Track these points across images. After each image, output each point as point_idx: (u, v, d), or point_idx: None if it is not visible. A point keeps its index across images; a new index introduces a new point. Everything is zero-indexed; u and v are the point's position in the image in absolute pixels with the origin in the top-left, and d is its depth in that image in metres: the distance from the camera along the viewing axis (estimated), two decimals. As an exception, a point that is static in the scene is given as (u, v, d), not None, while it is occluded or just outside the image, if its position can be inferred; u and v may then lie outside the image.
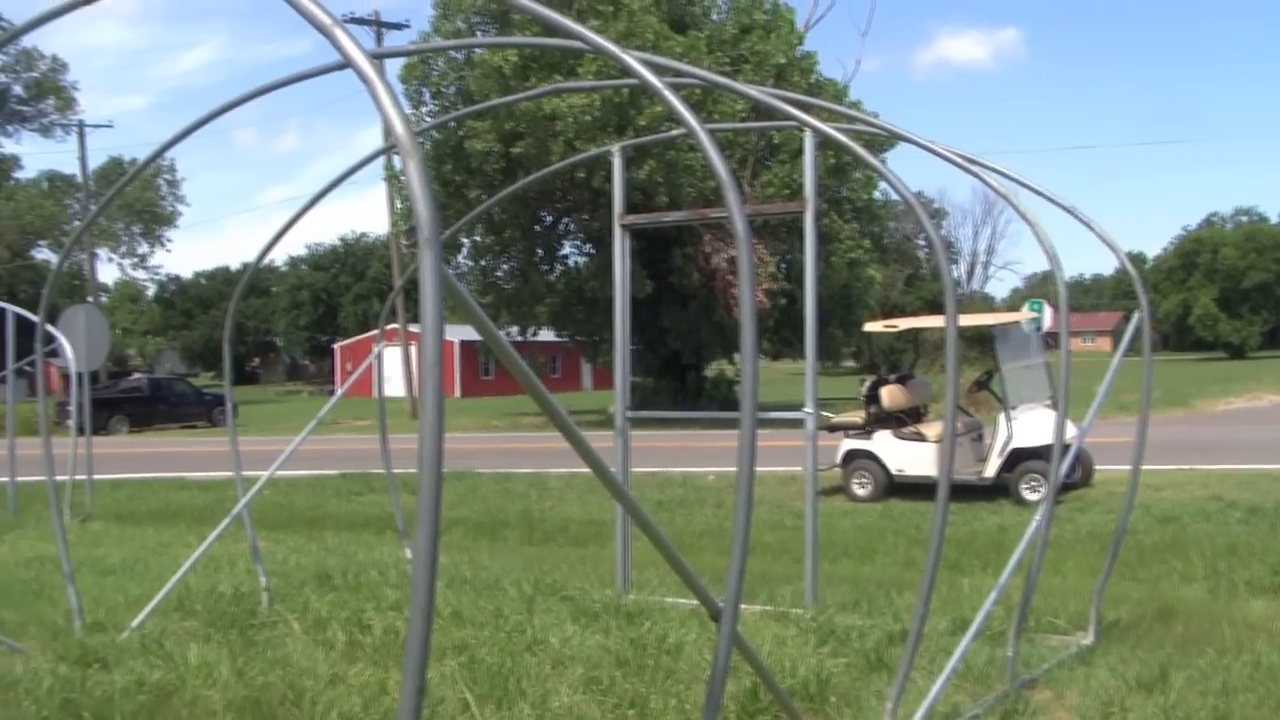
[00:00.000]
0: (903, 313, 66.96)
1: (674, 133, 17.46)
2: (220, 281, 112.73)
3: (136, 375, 71.79)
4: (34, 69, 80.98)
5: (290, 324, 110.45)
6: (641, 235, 34.77)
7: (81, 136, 71.07)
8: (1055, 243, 7.30)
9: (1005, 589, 7.49)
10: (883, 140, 34.27)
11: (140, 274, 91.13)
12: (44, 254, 77.52)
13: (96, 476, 22.03)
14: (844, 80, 49.66)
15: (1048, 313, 30.25)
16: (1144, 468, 9.17)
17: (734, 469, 3.71)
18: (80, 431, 21.17)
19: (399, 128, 2.60)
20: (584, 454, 3.93)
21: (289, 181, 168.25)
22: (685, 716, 6.77)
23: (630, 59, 4.04)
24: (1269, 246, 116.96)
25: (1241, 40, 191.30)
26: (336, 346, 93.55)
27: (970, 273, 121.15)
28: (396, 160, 39.68)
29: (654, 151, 37.97)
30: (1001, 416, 20.08)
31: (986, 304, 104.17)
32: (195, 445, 39.98)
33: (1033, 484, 19.28)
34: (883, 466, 20.81)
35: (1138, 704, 6.87)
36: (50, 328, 18.63)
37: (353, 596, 10.25)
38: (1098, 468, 20.55)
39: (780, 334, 45.34)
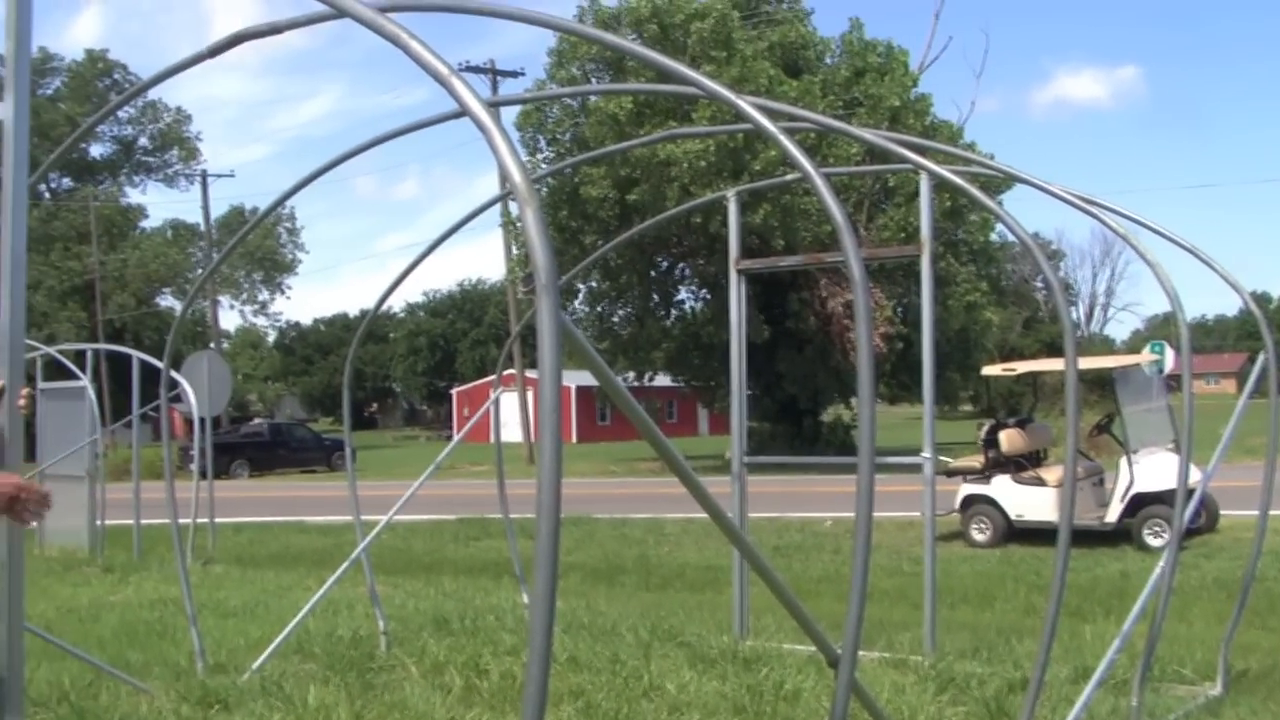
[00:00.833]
0: (1021, 356, 66.25)
1: (789, 177, 17.46)
2: (339, 328, 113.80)
3: (257, 420, 72.80)
4: (159, 121, 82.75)
5: (408, 370, 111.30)
6: (757, 280, 34.70)
7: (204, 186, 72.42)
8: (1176, 283, 7.20)
9: (1129, 637, 7.38)
10: (999, 182, 34.03)
11: (261, 321, 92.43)
12: (168, 301, 78.83)
13: (218, 520, 22.31)
14: (959, 122, 49.31)
15: (1169, 355, 29.84)
16: (1272, 513, 8.99)
17: (851, 514, 3.69)
18: (203, 475, 21.47)
19: (516, 175, 2.62)
20: (701, 499, 3.92)
21: (407, 228, 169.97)
22: (803, 764, 6.72)
23: (745, 104, 4.04)
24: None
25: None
26: (454, 392, 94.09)
27: (1089, 315, 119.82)
28: (513, 206, 39.96)
29: (769, 196, 37.93)
30: (1123, 461, 19.78)
31: (1106, 346, 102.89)
32: (315, 490, 40.37)
33: (1156, 529, 18.97)
34: (1002, 512, 20.56)
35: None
36: (174, 374, 18.92)
37: (470, 641, 10.28)
38: (1223, 513, 20.16)
39: (897, 378, 45.03)
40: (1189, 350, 7.82)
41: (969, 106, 70.82)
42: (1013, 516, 20.45)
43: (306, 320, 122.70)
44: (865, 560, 3.71)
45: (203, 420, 21.71)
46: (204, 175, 73.50)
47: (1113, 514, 19.62)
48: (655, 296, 47.74)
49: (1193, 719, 7.62)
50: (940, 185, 8.57)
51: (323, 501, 31.69)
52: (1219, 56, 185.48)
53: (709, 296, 46.40)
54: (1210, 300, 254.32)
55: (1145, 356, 25.32)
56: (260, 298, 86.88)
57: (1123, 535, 19.48)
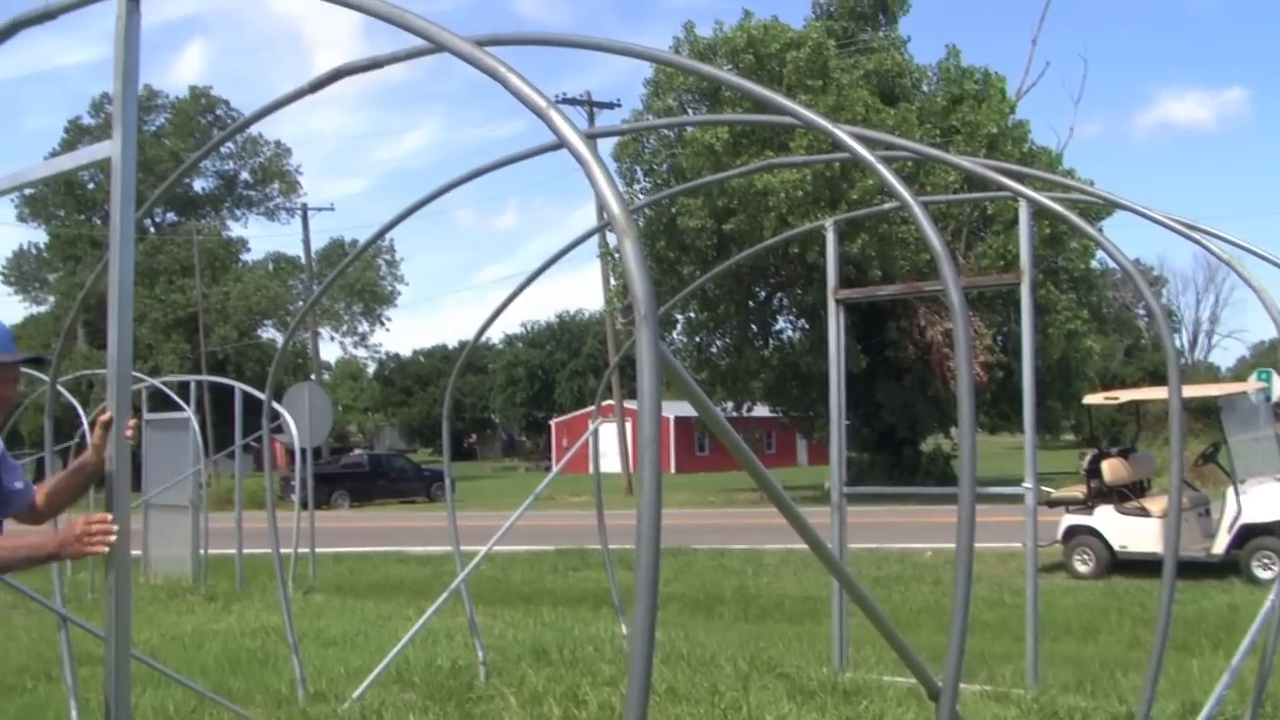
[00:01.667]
0: (1123, 384, 65.51)
1: (887, 206, 17.38)
2: (438, 359, 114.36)
3: (357, 451, 73.37)
4: (261, 155, 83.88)
5: (507, 401, 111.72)
6: (856, 309, 34.57)
7: (305, 219, 73.12)
8: (1283, 310, 7.08)
9: (1238, 672, 7.25)
10: (1099, 208, 33.67)
11: (361, 352, 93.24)
12: (269, 333, 79.71)
13: (319, 550, 22.52)
14: (1057, 148, 48.94)
15: (1276, 382, 29.37)
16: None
17: (952, 545, 3.67)
18: (304, 505, 21.69)
19: (614, 207, 2.63)
20: (800, 529, 3.91)
21: (506, 260, 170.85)
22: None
23: (841, 133, 4.04)
24: None
25: None
26: (552, 423, 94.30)
27: (1193, 342, 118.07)
28: (611, 238, 40.09)
29: (867, 225, 37.81)
30: (1230, 490, 19.48)
31: (1211, 374, 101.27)
32: (414, 520, 40.59)
33: (1265, 561, 18.66)
34: (1105, 543, 20.32)
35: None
36: (276, 405, 19.13)
37: (569, 671, 10.29)
38: (1335, 543, 19.82)
39: (998, 407, 44.63)
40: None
41: (1067, 132, 70.46)
42: (1116, 548, 20.21)
43: (406, 352, 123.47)
44: (966, 591, 3.68)
45: (304, 451, 21.91)
46: (304, 208, 74.33)
47: (1220, 545, 19.33)
48: (753, 326, 47.69)
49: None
50: (1039, 212, 8.51)
51: (422, 532, 31.86)
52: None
53: (807, 326, 46.29)
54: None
55: (1252, 384, 24.94)
56: (360, 329, 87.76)
57: (1230, 567, 19.18)
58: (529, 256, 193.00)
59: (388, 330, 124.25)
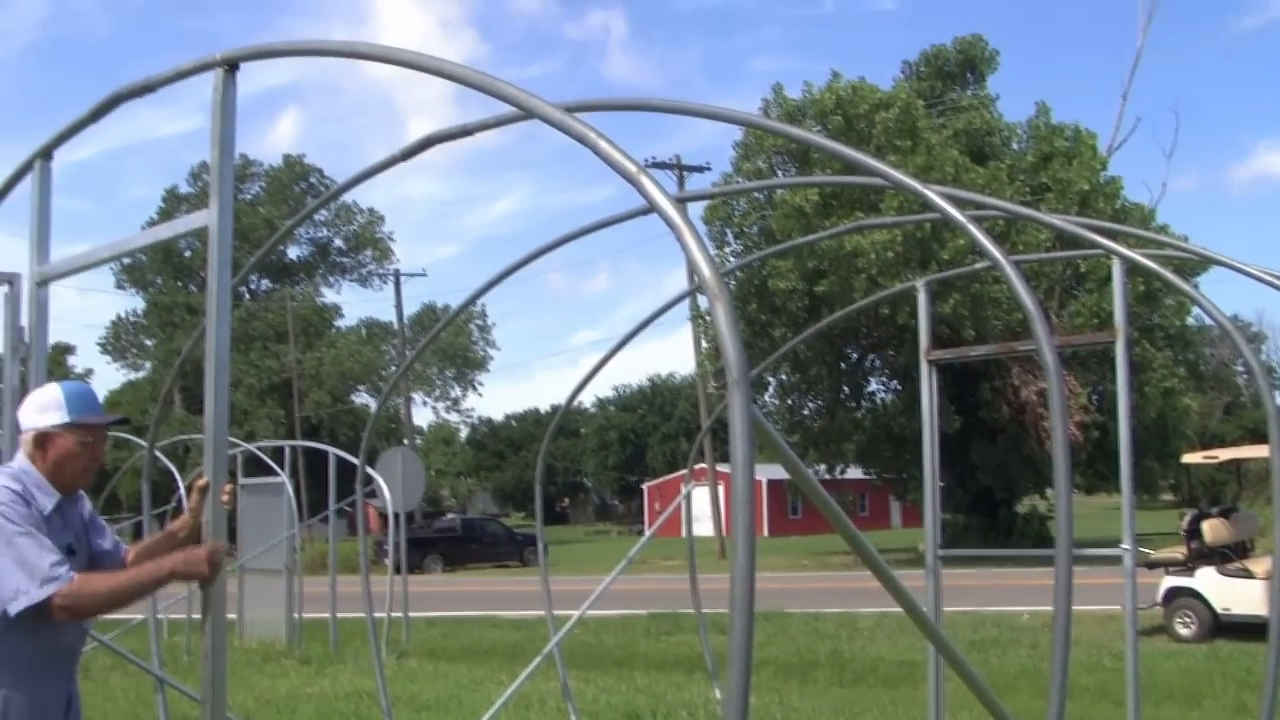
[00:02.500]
0: (1222, 443, 64.52)
1: (978, 265, 17.30)
2: (530, 423, 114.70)
3: (450, 515, 73.63)
4: (353, 223, 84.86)
5: (599, 464, 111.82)
6: (948, 369, 34.38)
7: (397, 285, 73.82)
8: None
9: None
10: (1195, 264, 33.40)
11: (453, 417, 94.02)
12: (363, 398, 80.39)
13: (412, 614, 22.57)
14: (1151, 204, 48.56)
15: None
16: None
17: (1049, 607, 3.62)
18: (397, 570, 21.80)
19: (705, 270, 2.63)
20: (895, 592, 3.87)
21: (597, 324, 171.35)
22: None
23: (931, 193, 4.03)
24: None
25: None
26: (645, 486, 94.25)
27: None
28: (702, 301, 40.14)
29: (958, 285, 37.65)
30: (1335, 551, 19.10)
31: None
32: (507, 584, 40.66)
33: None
34: (1207, 605, 19.96)
35: None
36: (369, 469, 19.25)
37: (663, 736, 10.24)
38: None
39: (1094, 467, 44.12)
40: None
41: (1160, 188, 69.93)
42: (1219, 610, 19.84)
43: (498, 416, 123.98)
44: (1065, 655, 3.63)
45: (397, 515, 22.04)
46: (397, 274, 75.03)
47: (1325, 607, 18.93)
48: (845, 388, 47.57)
49: None
50: (1133, 269, 8.41)
51: (515, 596, 31.90)
52: None
53: (899, 387, 46.12)
54: None
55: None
56: (453, 394, 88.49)
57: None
58: (620, 320, 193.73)
59: (480, 395, 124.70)
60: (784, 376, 46.46)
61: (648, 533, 13.26)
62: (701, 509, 53.31)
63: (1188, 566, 20.39)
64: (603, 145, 2.96)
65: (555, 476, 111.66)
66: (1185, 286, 6.39)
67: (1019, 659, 18.46)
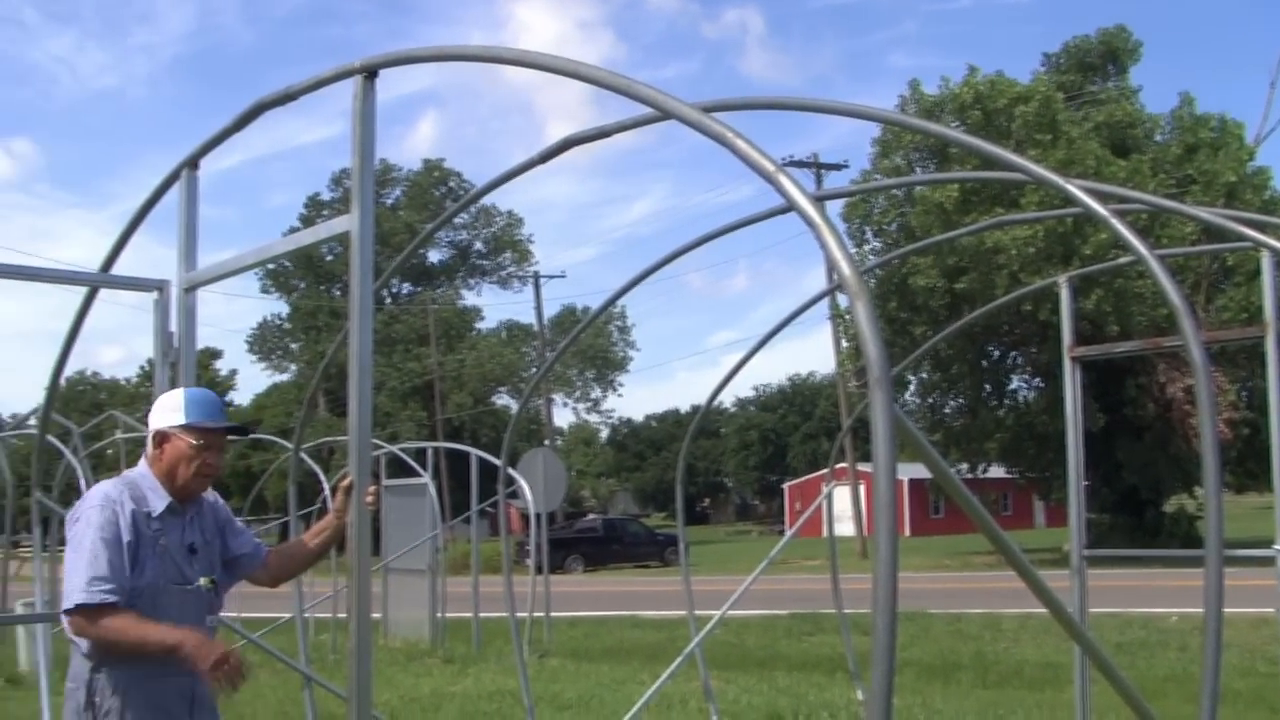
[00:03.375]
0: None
1: (1122, 260, 17.05)
2: (670, 424, 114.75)
3: (591, 516, 73.90)
4: (493, 226, 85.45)
5: (740, 464, 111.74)
6: (1092, 367, 33.89)
7: (537, 287, 74.28)
8: None
9: None
10: (1348, 258, 32.58)
11: (594, 418, 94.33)
12: (504, 400, 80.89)
13: (554, 614, 22.71)
14: (1301, 195, 47.46)
15: None
16: None
17: (1198, 609, 3.55)
18: (539, 570, 21.91)
19: (845, 269, 2.62)
20: (1040, 593, 3.82)
21: (736, 324, 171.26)
22: None
23: (1073, 188, 3.97)
24: None
25: None
26: (785, 486, 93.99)
27: None
28: (842, 299, 39.95)
29: (1101, 280, 37.10)
30: None
31: None
32: (648, 584, 40.75)
33: None
34: (1365, 607, 19.49)
35: None
36: (511, 471, 19.39)
37: (805, 737, 10.20)
38: None
39: (1244, 465, 43.25)
40: None
41: (1312, 177, 68.15)
42: (1376, 612, 19.36)
43: (639, 417, 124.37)
44: (1216, 659, 3.56)
45: (539, 516, 22.14)
46: (536, 277, 75.52)
47: None
48: (987, 386, 47.11)
49: None
50: (1284, 263, 8.23)
51: (656, 596, 31.96)
52: None
53: (1042, 385, 45.53)
54: None
55: None
56: (593, 395, 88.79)
57: None
58: (760, 320, 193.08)
59: (620, 396, 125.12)
60: (925, 375, 46.14)
61: (789, 533, 13.23)
62: (843, 509, 53.10)
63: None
64: (741, 145, 2.96)
65: (696, 477, 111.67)
66: (1338, 280, 6.24)
67: (1167, 662, 18.11)
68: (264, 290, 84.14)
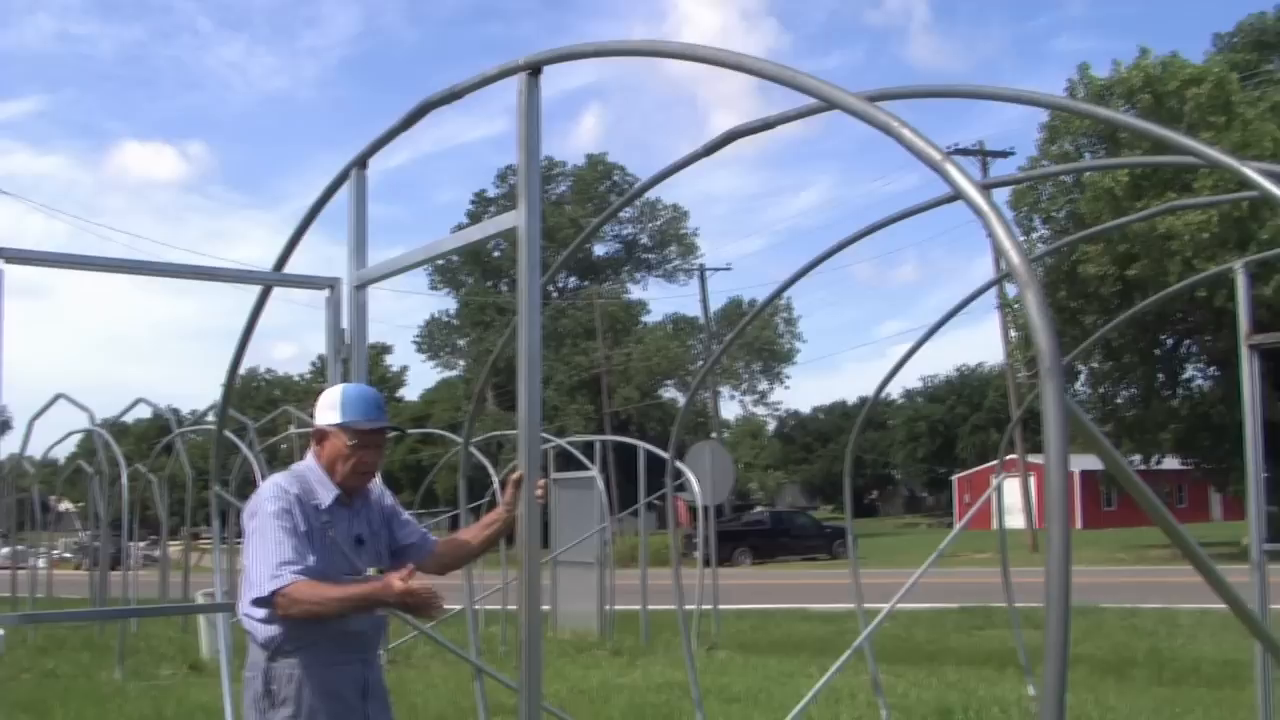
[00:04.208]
0: None
1: (1302, 246, 16.64)
2: (838, 416, 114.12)
3: (759, 508, 73.81)
4: (658, 219, 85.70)
5: (908, 456, 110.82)
6: (1272, 355, 33.05)
7: (702, 280, 74.33)
8: None
9: None
10: None
11: (761, 410, 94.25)
12: (670, 393, 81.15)
13: (722, 606, 22.71)
14: None
15: None
16: None
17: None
18: (706, 563, 21.94)
19: (1015, 257, 2.58)
20: (1219, 588, 3.74)
21: (904, 314, 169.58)
22: None
23: (1249, 170, 3.88)
24: None
25: None
26: (954, 478, 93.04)
27: None
28: (1010, 288, 39.48)
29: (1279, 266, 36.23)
30: None
31: None
32: (816, 577, 40.60)
33: None
34: None
35: None
36: (678, 463, 19.44)
37: (976, 732, 10.10)
38: None
39: None
40: None
41: None
42: None
43: (805, 409, 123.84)
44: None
45: (706, 508, 22.17)
46: (702, 269, 75.59)
47: None
48: (1160, 375, 46.22)
49: None
50: None
51: (824, 589, 31.83)
52: None
53: (1218, 374, 44.56)
54: None
55: None
56: (759, 387, 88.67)
57: None
58: (928, 310, 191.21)
59: (787, 388, 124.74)
60: (1095, 364, 45.40)
61: (958, 525, 13.12)
62: (1012, 501, 52.41)
63: None
64: (906, 134, 2.93)
65: (863, 469, 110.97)
66: None
67: (1354, 659, 17.62)
68: (433, 286, 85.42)
